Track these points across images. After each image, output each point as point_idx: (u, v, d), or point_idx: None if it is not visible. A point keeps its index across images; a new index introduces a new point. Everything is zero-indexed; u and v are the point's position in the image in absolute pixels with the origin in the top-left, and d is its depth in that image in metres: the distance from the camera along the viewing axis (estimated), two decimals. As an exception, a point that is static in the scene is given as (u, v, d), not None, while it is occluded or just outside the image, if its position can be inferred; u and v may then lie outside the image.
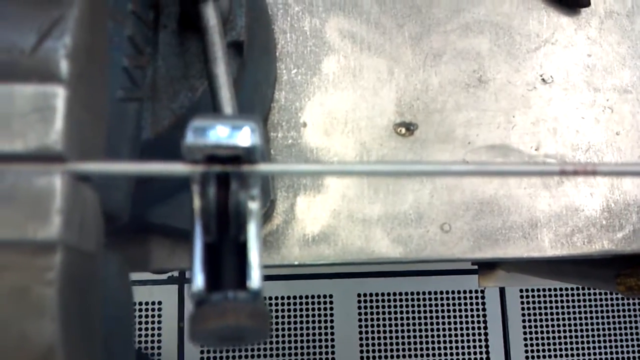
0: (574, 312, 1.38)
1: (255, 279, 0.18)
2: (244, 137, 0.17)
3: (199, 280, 0.17)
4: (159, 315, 1.29)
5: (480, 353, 1.34)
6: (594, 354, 1.38)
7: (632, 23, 0.47)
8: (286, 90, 0.44)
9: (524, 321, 1.37)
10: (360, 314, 1.33)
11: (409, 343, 1.33)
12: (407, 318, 1.34)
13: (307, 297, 1.32)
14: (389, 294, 1.34)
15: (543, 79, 0.46)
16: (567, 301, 1.39)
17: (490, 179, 0.44)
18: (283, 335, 1.30)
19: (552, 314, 1.38)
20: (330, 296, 1.33)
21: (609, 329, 1.39)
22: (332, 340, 1.31)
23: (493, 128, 0.45)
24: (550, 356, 1.37)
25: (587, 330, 1.38)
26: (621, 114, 0.46)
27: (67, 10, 0.17)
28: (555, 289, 1.39)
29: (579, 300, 1.39)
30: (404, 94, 0.45)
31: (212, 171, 0.17)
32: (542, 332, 1.37)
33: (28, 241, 0.16)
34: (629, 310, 1.40)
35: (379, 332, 1.33)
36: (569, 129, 0.45)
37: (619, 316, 1.39)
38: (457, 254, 0.43)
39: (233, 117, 0.17)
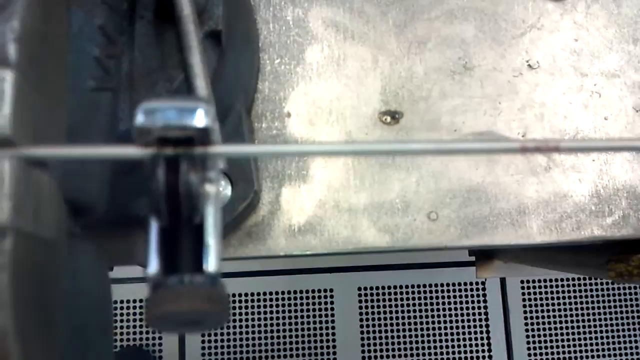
0: (576, 302, 1.38)
1: (212, 262, 0.18)
2: (195, 118, 0.17)
3: (153, 264, 0.17)
4: (160, 312, 1.29)
5: (482, 345, 1.34)
6: (596, 343, 1.37)
7: (618, 7, 0.47)
8: (269, 80, 0.44)
9: (525, 312, 1.36)
10: (361, 307, 1.33)
11: (410, 336, 1.33)
12: (409, 311, 1.34)
13: (307, 291, 1.32)
14: (389, 287, 1.34)
15: (529, 65, 0.45)
16: (569, 291, 1.38)
17: (476, 165, 0.43)
18: (284, 330, 1.30)
19: (553, 304, 1.37)
20: (331, 290, 1.33)
21: (611, 318, 1.38)
22: (333, 334, 1.31)
23: (479, 115, 0.44)
24: (552, 347, 1.36)
25: (588, 320, 1.38)
26: (609, 98, 0.45)
27: (16, -5, 0.17)
28: (556, 279, 1.38)
29: (580, 290, 1.38)
30: (389, 82, 0.44)
31: (162, 154, 0.17)
32: (543, 323, 1.37)
33: (-22, 227, 0.16)
34: (631, 299, 1.39)
35: (379, 325, 1.33)
36: (556, 115, 0.45)
37: (620, 305, 1.39)
38: (444, 242, 0.43)
39: (185, 99, 0.17)
